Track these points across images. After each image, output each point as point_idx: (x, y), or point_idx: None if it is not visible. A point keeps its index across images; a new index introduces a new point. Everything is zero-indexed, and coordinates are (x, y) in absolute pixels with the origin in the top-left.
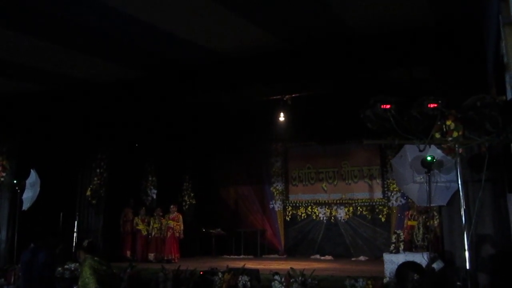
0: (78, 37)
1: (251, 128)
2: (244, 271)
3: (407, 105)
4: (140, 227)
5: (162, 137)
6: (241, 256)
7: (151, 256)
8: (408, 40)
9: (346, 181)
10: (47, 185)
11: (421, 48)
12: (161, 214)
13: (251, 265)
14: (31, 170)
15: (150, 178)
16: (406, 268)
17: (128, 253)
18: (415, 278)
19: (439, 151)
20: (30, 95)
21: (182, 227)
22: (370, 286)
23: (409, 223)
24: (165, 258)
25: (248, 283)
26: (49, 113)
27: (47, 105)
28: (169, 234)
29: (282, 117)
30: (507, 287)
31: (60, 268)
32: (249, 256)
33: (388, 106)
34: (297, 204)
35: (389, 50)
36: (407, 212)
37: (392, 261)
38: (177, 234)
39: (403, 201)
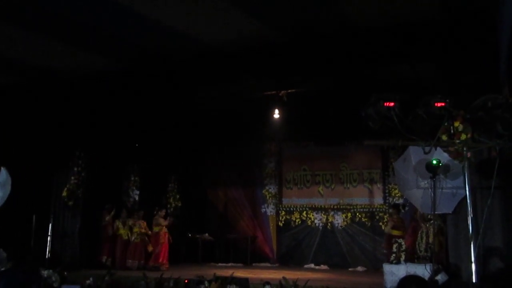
0: (55, 25)
1: (243, 126)
2: (232, 280)
3: (412, 103)
4: (121, 231)
5: (146, 135)
6: (230, 264)
7: (132, 263)
8: (413, 34)
9: (345, 185)
10: (19, 185)
11: (427, 43)
12: (142, 217)
13: (240, 273)
14: (2, 168)
15: (132, 178)
16: (409, 283)
17: (105, 258)
18: None
19: (445, 154)
20: (0, 88)
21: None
22: None
23: (388, 231)
24: (149, 265)
25: None
26: (23, 107)
27: (20, 99)
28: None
29: (276, 115)
30: None
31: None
32: (238, 264)
33: (391, 104)
34: (291, 209)
35: (392, 44)
36: (390, 218)
37: (393, 272)
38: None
39: (406, 208)
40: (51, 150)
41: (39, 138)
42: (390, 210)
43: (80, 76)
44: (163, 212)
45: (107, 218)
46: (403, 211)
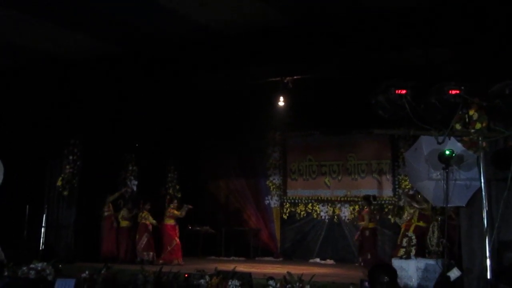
0: (49, 6)
1: (246, 114)
2: (234, 274)
3: (425, 91)
4: (124, 223)
5: (144, 122)
6: (232, 258)
7: (147, 255)
8: (426, 16)
9: (352, 176)
10: (12, 174)
11: (441, 26)
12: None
13: (242, 268)
14: None
15: (130, 168)
16: (378, 270)
17: (111, 252)
18: (385, 280)
19: (459, 144)
20: None
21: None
22: None
23: (363, 224)
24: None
25: None
26: (15, 93)
27: (12, 84)
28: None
29: (281, 102)
30: None
31: (25, 268)
32: (241, 258)
33: (403, 91)
34: (296, 201)
35: (404, 27)
36: (362, 210)
37: (402, 267)
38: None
39: (377, 200)
40: (45, 137)
41: (32, 125)
42: (361, 202)
43: (76, 60)
44: (175, 203)
45: (109, 210)
46: (374, 202)
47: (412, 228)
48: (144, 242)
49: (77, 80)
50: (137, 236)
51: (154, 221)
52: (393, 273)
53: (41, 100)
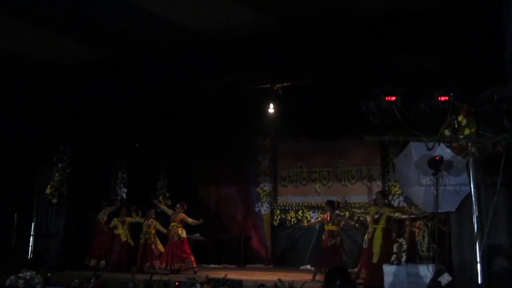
0: (39, 11)
1: (236, 120)
2: (225, 282)
3: (415, 97)
4: (120, 231)
5: (135, 129)
6: (222, 266)
7: (150, 266)
8: (415, 23)
9: (342, 183)
10: (0, 181)
11: (430, 32)
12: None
13: (233, 275)
14: None
15: (120, 175)
16: (332, 274)
17: (95, 262)
18: (338, 283)
19: (448, 150)
20: None
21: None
22: None
23: (327, 228)
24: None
25: None
26: (4, 99)
27: (0, 89)
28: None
29: (271, 109)
30: None
31: (13, 277)
32: (231, 266)
33: (393, 98)
34: (287, 208)
35: (393, 34)
36: (326, 215)
37: (393, 273)
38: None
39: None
40: (34, 144)
41: (21, 132)
42: (325, 206)
43: (65, 66)
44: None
45: (101, 216)
46: (337, 209)
47: (379, 231)
48: (140, 251)
49: (67, 86)
50: None
51: (162, 228)
52: (346, 276)
53: (30, 106)
